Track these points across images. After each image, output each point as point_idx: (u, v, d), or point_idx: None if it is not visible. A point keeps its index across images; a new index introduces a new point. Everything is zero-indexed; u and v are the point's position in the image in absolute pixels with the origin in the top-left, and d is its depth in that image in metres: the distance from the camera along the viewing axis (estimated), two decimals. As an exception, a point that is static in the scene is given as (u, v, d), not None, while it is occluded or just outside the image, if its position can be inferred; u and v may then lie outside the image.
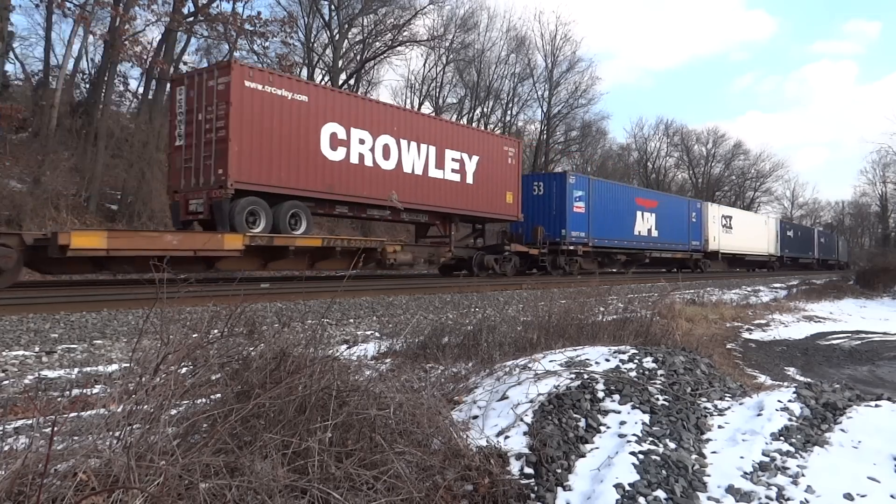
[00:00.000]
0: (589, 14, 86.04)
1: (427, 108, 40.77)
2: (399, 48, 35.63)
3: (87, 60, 26.54)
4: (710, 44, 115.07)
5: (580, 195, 21.10)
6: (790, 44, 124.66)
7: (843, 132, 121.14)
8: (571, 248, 20.57)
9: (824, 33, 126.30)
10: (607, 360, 4.14)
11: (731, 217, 33.29)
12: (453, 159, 15.98)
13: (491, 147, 17.42)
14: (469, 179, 16.51)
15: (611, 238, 22.66)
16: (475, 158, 16.68)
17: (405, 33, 35.00)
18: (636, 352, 4.37)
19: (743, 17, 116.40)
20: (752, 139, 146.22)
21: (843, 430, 3.33)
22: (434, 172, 15.41)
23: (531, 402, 3.31)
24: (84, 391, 3.90)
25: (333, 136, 13.10)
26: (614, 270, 23.84)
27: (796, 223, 56.92)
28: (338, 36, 33.02)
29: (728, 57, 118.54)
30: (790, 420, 3.39)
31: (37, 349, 5.51)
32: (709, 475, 2.80)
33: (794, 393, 3.78)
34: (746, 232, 34.67)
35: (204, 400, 2.70)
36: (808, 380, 5.45)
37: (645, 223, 24.94)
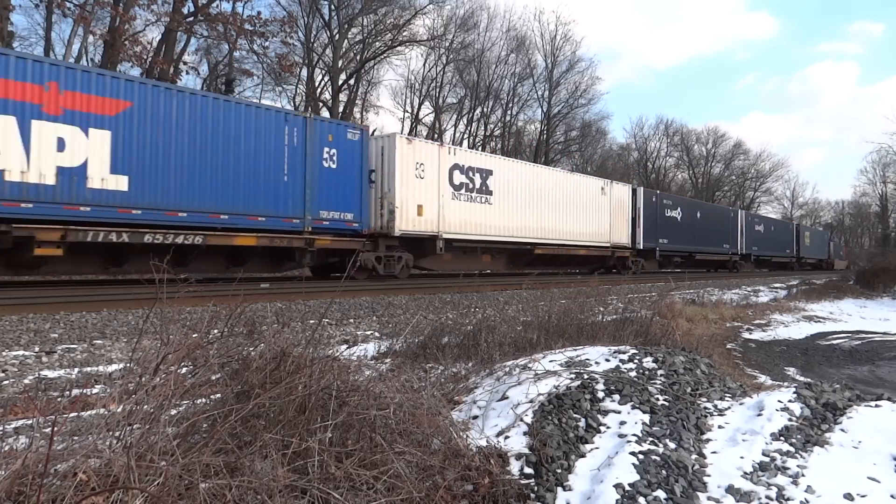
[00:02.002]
0: (592, 13, 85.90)
1: (427, 109, 40.87)
2: (399, 48, 35.67)
3: (87, 60, 26.60)
4: (714, 44, 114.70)
5: None
6: (794, 44, 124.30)
7: (845, 132, 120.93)
8: None
9: (828, 34, 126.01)
10: (607, 360, 4.14)
11: (488, 172, 17.33)
12: None
13: None
14: None
15: None
16: None
17: (405, 33, 35.03)
18: (636, 352, 4.37)
19: (745, 17, 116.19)
20: (755, 140, 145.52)
21: (843, 430, 3.33)
22: None
23: (531, 402, 3.31)
24: (84, 391, 3.89)
25: None
26: None
27: (697, 200, 37.98)
28: (338, 36, 33.04)
29: (732, 57, 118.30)
30: (790, 420, 3.39)
31: (37, 349, 5.51)
32: (709, 475, 2.79)
33: (794, 393, 3.78)
34: (543, 204, 18.92)
35: (204, 400, 2.70)
36: (808, 380, 5.45)
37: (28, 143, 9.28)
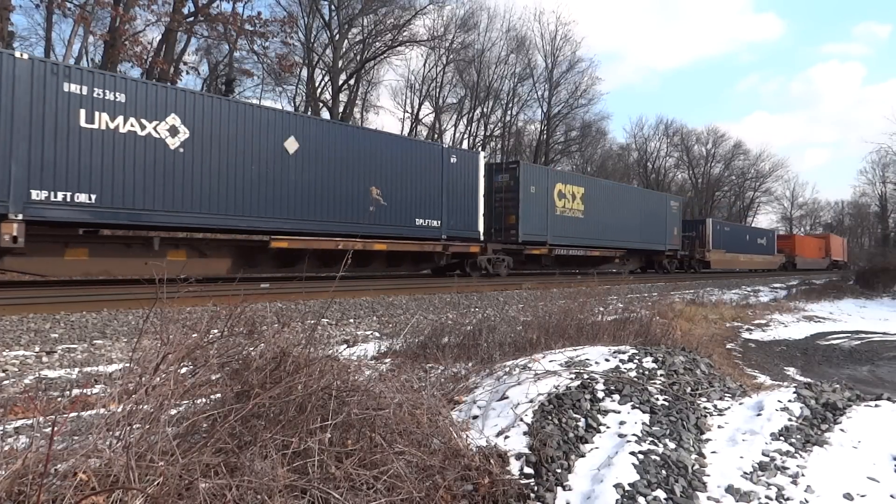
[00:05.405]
0: (596, 14, 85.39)
1: (427, 109, 40.88)
2: (399, 48, 35.70)
3: (87, 60, 26.62)
4: (719, 45, 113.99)
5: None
6: (799, 46, 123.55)
7: (849, 133, 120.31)
8: None
9: (834, 35, 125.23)
10: (607, 360, 4.14)
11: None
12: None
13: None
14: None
15: None
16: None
17: (405, 33, 35.06)
18: (636, 352, 4.37)
19: (752, 19, 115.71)
20: (758, 140, 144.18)
21: (842, 430, 3.33)
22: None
23: (531, 402, 3.31)
24: (84, 391, 3.90)
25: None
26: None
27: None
28: (338, 36, 33.05)
29: (736, 59, 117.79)
30: (790, 420, 3.39)
31: (37, 349, 5.51)
32: (708, 475, 2.79)
33: (794, 393, 3.78)
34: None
35: (204, 400, 2.70)
36: (808, 380, 5.45)
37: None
